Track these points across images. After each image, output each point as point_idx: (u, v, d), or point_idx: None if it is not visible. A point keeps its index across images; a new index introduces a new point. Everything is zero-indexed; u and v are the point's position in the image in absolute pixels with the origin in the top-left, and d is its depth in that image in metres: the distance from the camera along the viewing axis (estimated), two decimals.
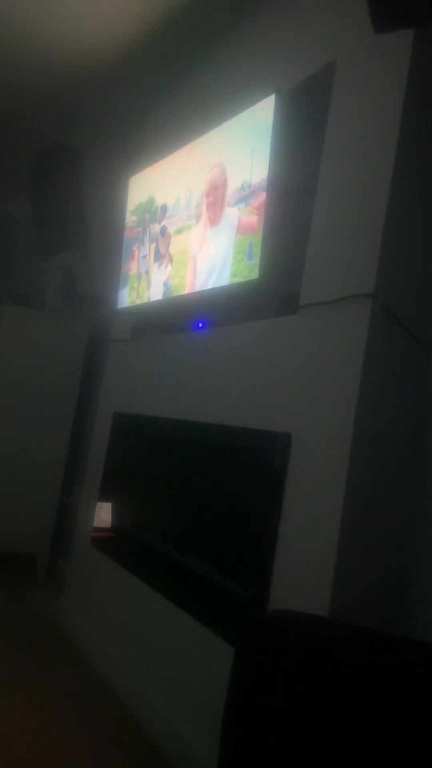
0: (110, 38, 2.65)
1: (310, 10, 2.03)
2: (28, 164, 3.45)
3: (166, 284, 2.43)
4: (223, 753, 1.15)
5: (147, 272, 2.60)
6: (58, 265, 4.43)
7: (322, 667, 1.11)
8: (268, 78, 2.15)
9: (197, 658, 1.87)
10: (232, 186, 2.08)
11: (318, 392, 1.65)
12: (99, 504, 2.72)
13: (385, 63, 1.68)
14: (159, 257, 2.51)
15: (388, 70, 1.66)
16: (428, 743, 1.00)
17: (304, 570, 1.56)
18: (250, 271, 1.93)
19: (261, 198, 1.92)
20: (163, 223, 2.50)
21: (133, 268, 2.73)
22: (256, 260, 1.91)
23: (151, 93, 3.01)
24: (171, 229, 2.44)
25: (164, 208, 2.51)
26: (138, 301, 2.65)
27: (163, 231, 2.49)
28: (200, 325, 2.30)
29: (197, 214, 2.27)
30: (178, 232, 2.39)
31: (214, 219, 2.16)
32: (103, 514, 2.72)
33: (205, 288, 2.17)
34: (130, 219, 2.81)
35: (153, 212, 2.60)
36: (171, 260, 2.42)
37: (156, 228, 2.55)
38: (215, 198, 2.18)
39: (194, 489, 2.29)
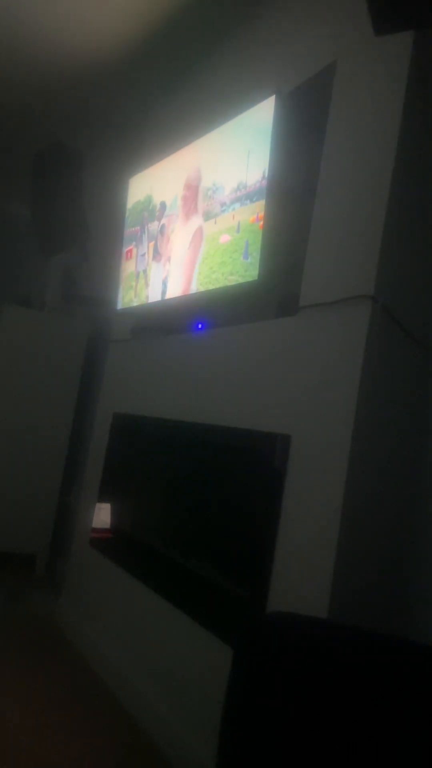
0: (111, 39, 2.65)
1: (311, 11, 2.04)
2: (29, 164, 3.45)
3: (164, 283, 2.43)
4: (222, 753, 1.15)
5: (145, 271, 2.60)
6: (58, 265, 4.43)
7: (321, 668, 1.11)
8: (268, 79, 2.16)
9: (196, 659, 1.87)
10: (228, 187, 2.09)
11: (317, 394, 1.65)
12: (98, 505, 2.72)
13: (385, 65, 1.68)
14: (157, 255, 2.52)
15: (388, 72, 1.66)
16: (428, 744, 1.00)
17: (303, 571, 1.56)
18: (246, 270, 1.94)
19: (259, 198, 1.93)
20: (163, 221, 2.50)
21: (130, 266, 2.74)
22: (252, 259, 1.91)
23: (152, 94, 3.01)
24: (169, 228, 2.45)
25: (163, 206, 2.52)
26: (136, 300, 2.66)
27: (162, 229, 2.50)
28: (200, 326, 2.30)
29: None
30: (174, 230, 2.40)
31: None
32: (102, 515, 2.72)
33: (196, 285, 2.19)
34: (127, 217, 2.81)
35: (151, 210, 2.61)
36: (169, 259, 2.42)
37: (155, 226, 2.56)
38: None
39: (193, 490, 2.29)
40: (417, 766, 1.01)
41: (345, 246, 1.69)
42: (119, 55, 2.76)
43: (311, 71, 1.96)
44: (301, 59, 2.02)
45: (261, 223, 1.91)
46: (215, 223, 2.13)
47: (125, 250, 2.80)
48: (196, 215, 2.21)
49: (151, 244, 2.58)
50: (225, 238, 2.07)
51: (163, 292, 2.44)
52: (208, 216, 2.17)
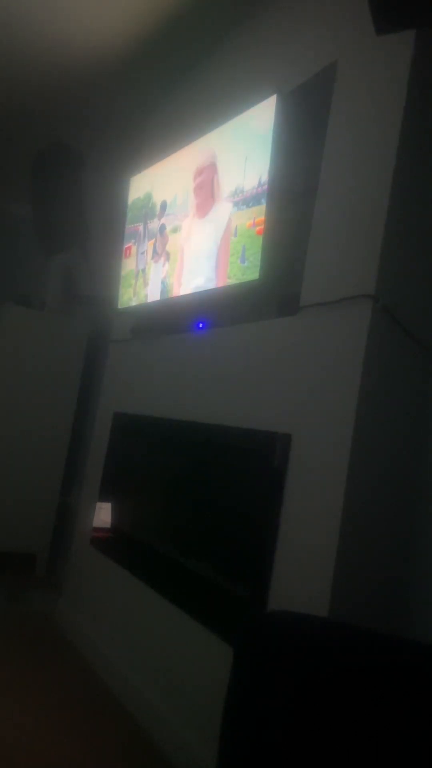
0: (111, 39, 2.65)
1: (311, 11, 2.03)
2: (29, 164, 3.45)
3: (163, 282, 2.43)
4: (223, 753, 1.15)
5: (144, 270, 2.60)
6: (58, 265, 4.43)
7: (322, 667, 1.11)
8: (269, 79, 2.16)
9: (196, 659, 1.87)
10: (227, 188, 2.08)
11: (318, 393, 1.65)
12: (98, 504, 2.72)
13: (386, 64, 1.68)
14: (156, 254, 2.52)
15: (389, 72, 1.66)
16: (428, 744, 1.00)
17: (303, 570, 1.56)
18: (243, 273, 1.94)
19: (255, 204, 1.93)
20: (162, 220, 2.50)
21: (130, 264, 2.73)
22: (249, 263, 1.91)
23: (153, 94, 3.01)
24: (168, 228, 2.45)
25: (164, 205, 2.52)
26: (135, 300, 2.65)
27: (162, 229, 2.50)
28: (200, 325, 2.30)
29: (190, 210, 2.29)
30: (174, 230, 2.40)
31: (203, 210, 2.18)
32: (103, 514, 2.72)
33: (190, 284, 2.18)
34: (128, 213, 2.80)
35: (151, 208, 2.61)
36: (168, 258, 2.42)
37: (155, 224, 2.55)
38: (202, 184, 2.20)
39: (194, 489, 2.29)
40: (417, 765, 1.01)
41: (346, 245, 1.69)
42: (120, 55, 2.76)
43: (312, 71, 1.96)
44: (301, 59, 2.02)
45: (258, 228, 1.91)
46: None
47: (124, 247, 2.80)
48: (218, 204, 2.16)
49: (151, 242, 2.58)
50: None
51: (163, 291, 2.43)
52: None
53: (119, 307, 2.82)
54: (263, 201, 1.91)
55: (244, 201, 1.99)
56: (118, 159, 3.41)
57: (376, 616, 1.56)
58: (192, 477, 2.32)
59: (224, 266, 2.06)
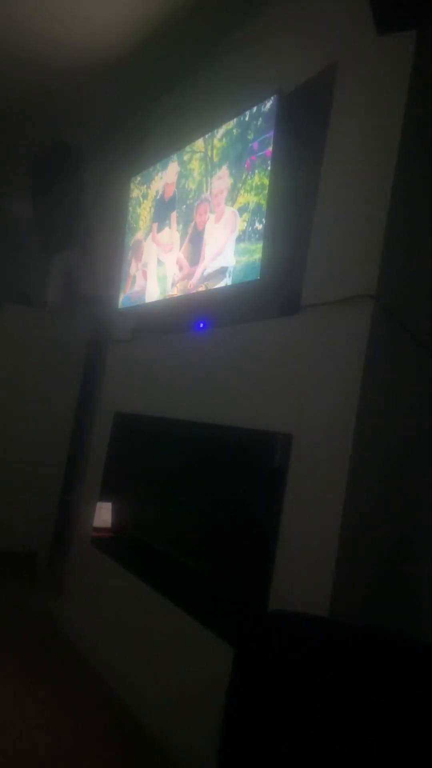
0: (112, 38, 2.65)
1: (312, 11, 2.03)
2: (30, 164, 3.45)
3: (165, 280, 2.43)
4: (223, 753, 1.15)
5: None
6: (59, 264, 4.44)
7: (322, 667, 1.11)
8: (269, 79, 2.15)
9: (197, 658, 1.87)
10: (230, 187, 2.09)
11: (319, 393, 1.65)
12: (99, 503, 2.72)
13: (387, 64, 1.68)
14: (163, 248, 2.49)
15: (391, 72, 1.66)
16: (428, 744, 1.00)
17: (304, 570, 1.56)
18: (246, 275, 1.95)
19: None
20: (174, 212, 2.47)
21: (143, 258, 2.68)
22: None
23: (154, 93, 3.01)
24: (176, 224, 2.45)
25: (171, 201, 2.49)
26: (142, 293, 2.60)
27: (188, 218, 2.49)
28: (201, 325, 2.30)
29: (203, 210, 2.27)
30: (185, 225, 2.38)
31: (218, 215, 2.17)
32: (103, 514, 2.72)
33: (202, 278, 2.17)
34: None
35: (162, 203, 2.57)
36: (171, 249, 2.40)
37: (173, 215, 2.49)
38: (219, 200, 2.18)
39: (195, 489, 2.29)
40: (417, 765, 1.01)
41: (347, 245, 1.69)
42: (120, 55, 2.76)
43: (313, 71, 1.96)
44: (302, 59, 2.02)
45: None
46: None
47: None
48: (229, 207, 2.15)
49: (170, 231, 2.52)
50: None
51: (171, 284, 2.41)
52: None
53: (121, 303, 2.81)
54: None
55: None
56: (119, 159, 3.41)
57: (376, 616, 1.56)
58: (193, 477, 2.32)
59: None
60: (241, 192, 2.04)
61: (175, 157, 2.50)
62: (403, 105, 1.59)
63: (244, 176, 2.04)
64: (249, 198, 2.00)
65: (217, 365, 2.12)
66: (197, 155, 2.34)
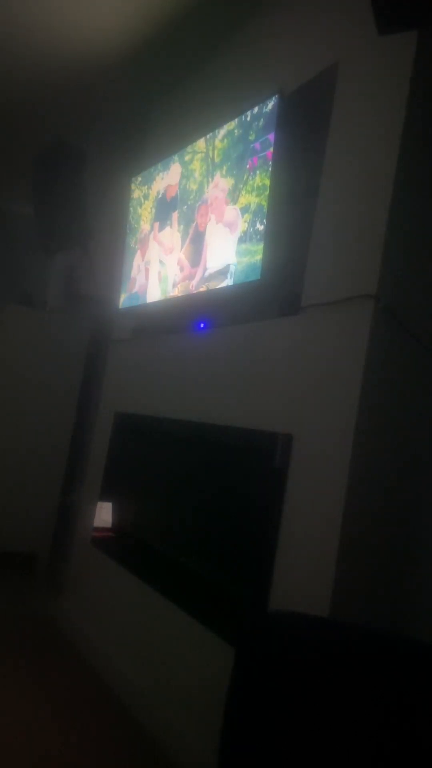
0: (113, 38, 2.65)
1: (313, 11, 2.04)
2: (30, 164, 3.45)
3: (167, 280, 2.43)
4: (223, 753, 1.15)
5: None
6: (59, 264, 4.43)
7: (323, 667, 1.11)
8: (271, 79, 2.16)
9: (198, 658, 1.87)
10: (231, 187, 2.09)
11: (319, 393, 1.65)
12: (99, 504, 2.72)
13: (388, 65, 1.68)
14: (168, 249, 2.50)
15: (392, 72, 1.66)
16: (429, 743, 1.00)
17: (304, 570, 1.56)
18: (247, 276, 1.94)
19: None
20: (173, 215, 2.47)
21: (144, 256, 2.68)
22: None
23: (154, 93, 3.02)
24: (177, 224, 2.45)
25: (173, 200, 2.50)
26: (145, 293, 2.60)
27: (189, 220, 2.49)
28: (202, 325, 2.30)
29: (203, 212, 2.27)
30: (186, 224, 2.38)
31: (219, 216, 2.17)
32: (104, 514, 2.72)
33: (203, 280, 2.17)
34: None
35: (164, 202, 2.58)
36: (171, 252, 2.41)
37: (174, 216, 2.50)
38: (218, 197, 2.18)
39: (195, 489, 2.29)
40: (418, 764, 1.01)
41: (347, 245, 1.69)
42: (122, 55, 2.76)
43: (314, 71, 1.96)
44: (303, 59, 2.02)
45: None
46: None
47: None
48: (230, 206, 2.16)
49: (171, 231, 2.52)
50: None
51: (173, 285, 2.41)
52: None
53: (122, 304, 2.81)
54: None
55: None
56: (120, 159, 3.41)
57: (376, 616, 1.56)
58: (193, 477, 2.32)
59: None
60: (243, 193, 2.05)
61: (176, 157, 2.50)
62: (404, 106, 1.59)
63: (245, 177, 2.04)
64: (250, 199, 2.00)
65: (217, 365, 2.12)
66: (198, 155, 2.34)
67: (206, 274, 2.17)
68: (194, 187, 2.34)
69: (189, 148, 2.41)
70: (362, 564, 1.54)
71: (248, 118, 2.07)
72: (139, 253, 2.72)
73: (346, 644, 1.14)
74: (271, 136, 1.94)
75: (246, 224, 2.00)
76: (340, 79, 1.85)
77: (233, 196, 2.09)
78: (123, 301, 2.81)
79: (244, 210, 2.02)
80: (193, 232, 2.31)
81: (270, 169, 1.92)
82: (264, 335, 1.93)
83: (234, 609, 1.87)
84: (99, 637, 2.45)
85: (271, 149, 1.93)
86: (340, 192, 1.76)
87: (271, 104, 1.97)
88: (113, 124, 3.36)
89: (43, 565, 3.57)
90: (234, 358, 2.04)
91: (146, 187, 2.72)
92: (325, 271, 1.75)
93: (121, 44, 2.68)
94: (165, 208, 2.54)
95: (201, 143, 2.33)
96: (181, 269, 2.35)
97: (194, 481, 2.30)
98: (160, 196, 2.60)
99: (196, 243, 2.28)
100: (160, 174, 2.61)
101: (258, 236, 1.93)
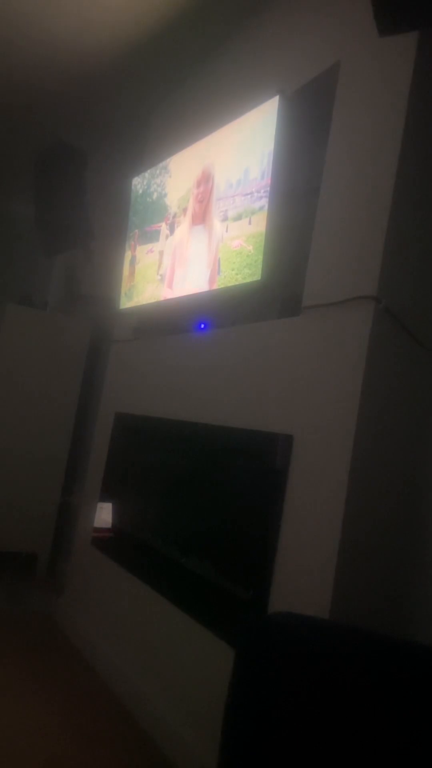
0: (114, 39, 2.65)
1: (314, 12, 2.03)
2: (31, 164, 3.46)
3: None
4: (224, 754, 1.15)
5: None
6: (60, 264, 4.44)
7: (323, 669, 1.11)
8: (271, 80, 2.16)
9: (198, 659, 1.87)
10: (225, 187, 2.08)
11: (320, 394, 1.65)
12: (100, 504, 2.72)
13: (389, 65, 1.68)
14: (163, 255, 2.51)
15: (392, 73, 1.66)
16: (429, 746, 1.00)
17: (305, 572, 1.56)
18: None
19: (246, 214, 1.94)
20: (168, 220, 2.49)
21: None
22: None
23: (155, 94, 3.02)
24: (173, 228, 2.45)
25: (175, 201, 2.51)
26: (141, 299, 2.63)
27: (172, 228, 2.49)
28: (202, 326, 2.30)
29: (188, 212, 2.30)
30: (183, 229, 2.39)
31: (199, 219, 2.19)
32: (104, 515, 2.72)
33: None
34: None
35: (158, 208, 2.59)
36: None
37: (163, 225, 2.53)
38: (203, 194, 2.20)
39: (195, 490, 2.29)
40: (417, 765, 1.01)
41: (348, 246, 1.69)
42: (123, 55, 2.76)
43: (315, 72, 1.96)
44: (304, 60, 2.02)
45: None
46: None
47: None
48: (213, 213, 2.19)
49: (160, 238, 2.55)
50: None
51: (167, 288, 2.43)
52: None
53: (122, 307, 2.81)
54: (251, 213, 1.91)
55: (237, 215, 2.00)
56: (121, 159, 3.41)
57: (376, 618, 1.56)
58: (193, 478, 2.32)
59: (215, 274, 2.09)
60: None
61: (177, 157, 2.50)
62: (405, 106, 1.59)
63: None
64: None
65: (218, 366, 2.12)
66: (199, 156, 2.34)
67: (207, 274, 2.17)
68: (193, 192, 2.34)
69: (189, 149, 2.40)
70: (362, 565, 1.54)
71: (249, 118, 2.07)
72: (138, 252, 2.72)
73: (345, 646, 1.14)
74: (272, 136, 1.94)
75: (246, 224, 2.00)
76: (340, 79, 1.85)
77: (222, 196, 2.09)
78: (123, 301, 2.81)
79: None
80: (194, 232, 2.31)
81: (270, 169, 1.92)
82: (264, 336, 1.93)
83: (234, 609, 1.87)
84: (99, 637, 2.45)
85: (272, 149, 1.93)
86: (341, 192, 1.76)
87: (272, 104, 1.96)
88: (114, 124, 3.36)
89: (44, 566, 3.57)
90: (235, 359, 2.04)
91: (147, 187, 2.71)
92: (325, 272, 1.75)
93: (122, 44, 2.68)
94: (166, 209, 2.54)
95: (201, 143, 2.32)
96: (182, 270, 2.35)
97: (195, 481, 2.30)
98: (160, 196, 2.60)
99: (197, 243, 2.28)
100: (161, 174, 2.61)
101: (258, 237, 1.93)
